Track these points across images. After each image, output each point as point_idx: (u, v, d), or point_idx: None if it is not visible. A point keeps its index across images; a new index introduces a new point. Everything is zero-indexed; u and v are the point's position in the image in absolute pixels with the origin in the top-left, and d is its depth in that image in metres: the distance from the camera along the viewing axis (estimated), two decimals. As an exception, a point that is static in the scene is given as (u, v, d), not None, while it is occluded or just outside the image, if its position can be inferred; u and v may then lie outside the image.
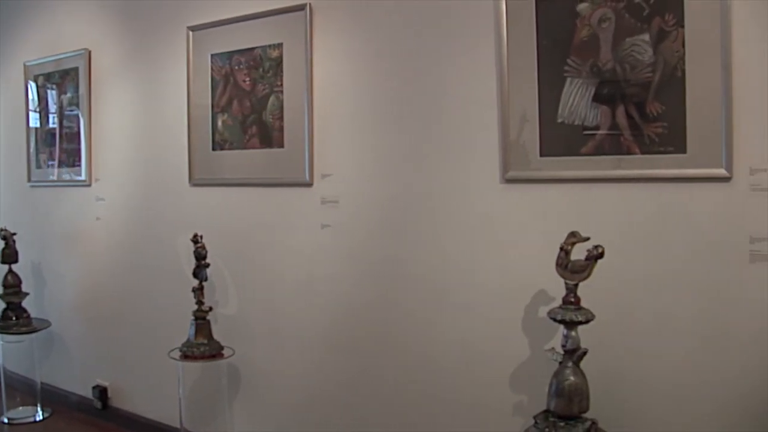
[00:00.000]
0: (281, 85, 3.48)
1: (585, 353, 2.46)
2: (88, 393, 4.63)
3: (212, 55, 3.78)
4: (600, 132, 2.64)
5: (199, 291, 3.61)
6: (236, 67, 3.67)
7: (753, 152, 2.39)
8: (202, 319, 3.59)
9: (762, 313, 2.39)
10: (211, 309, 3.63)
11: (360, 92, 3.26)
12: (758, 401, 2.39)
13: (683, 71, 2.48)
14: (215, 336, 3.64)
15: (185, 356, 3.56)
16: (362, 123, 3.26)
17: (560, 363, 2.47)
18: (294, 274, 3.51)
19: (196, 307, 3.60)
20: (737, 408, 2.43)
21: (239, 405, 3.78)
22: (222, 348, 3.62)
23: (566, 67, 2.70)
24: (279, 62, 3.49)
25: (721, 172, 2.44)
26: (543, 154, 2.76)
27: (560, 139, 2.72)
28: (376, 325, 3.24)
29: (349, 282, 3.32)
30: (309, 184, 3.41)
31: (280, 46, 3.49)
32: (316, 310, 3.44)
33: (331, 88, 3.35)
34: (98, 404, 4.55)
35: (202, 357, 3.55)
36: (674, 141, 2.51)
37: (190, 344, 3.56)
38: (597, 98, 2.64)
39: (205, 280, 3.62)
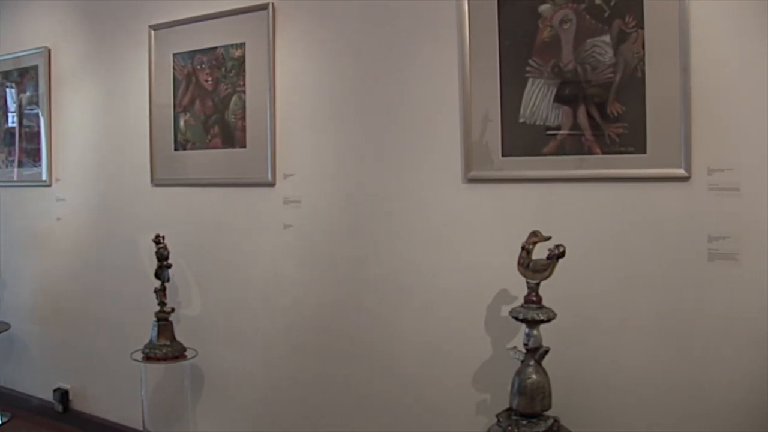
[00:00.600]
0: (244, 85, 3.47)
1: (547, 352, 2.48)
2: (49, 396, 4.56)
3: (174, 55, 3.75)
4: (562, 132, 2.66)
5: (161, 292, 3.58)
6: (198, 67, 3.64)
7: (711, 152, 2.43)
8: (164, 320, 3.56)
9: (720, 311, 2.43)
10: (173, 310, 3.60)
11: (323, 92, 3.25)
12: (718, 398, 2.43)
13: (643, 72, 2.51)
14: (178, 337, 3.62)
15: (147, 358, 3.53)
16: (325, 123, 3.26)
17: (522, 362, 2.48)
18: (257, 275, 3.49)
19: (158, 308, 3.57)
20: (698, 405, 2.47)
21: (202, 406, 3.75)
22: (185, 349, 3.59)
23: (528, 68, 2.72)
24: (241, 62, 3.47)
25: (680, 172, 2.47)
26: (505, 154, 2.77)
27: (522, 139, 2.74)
28: (339, 325, 3.24)
29: (312, 282, 3.32)
30: (271, 184, 3.40)
31: (242, 45, 3.47)
32: (279, 310, 3.43)
33: (294, 88, 3.34)
34: (59, 407, 4.49)
35: (165, 358, 3.51)
36: (635, 141, 2.53)
37: (153, 345, 3.53)
38: (558, 99, 2.66)
39: (168, 280, 3.59)
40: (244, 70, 3.46)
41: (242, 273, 3.55)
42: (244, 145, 3.48)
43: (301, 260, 3.34)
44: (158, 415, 3.78)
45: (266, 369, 3.49)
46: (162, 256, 3.58)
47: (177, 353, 3.55)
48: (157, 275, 3.59)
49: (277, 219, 3.39)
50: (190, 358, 3.59)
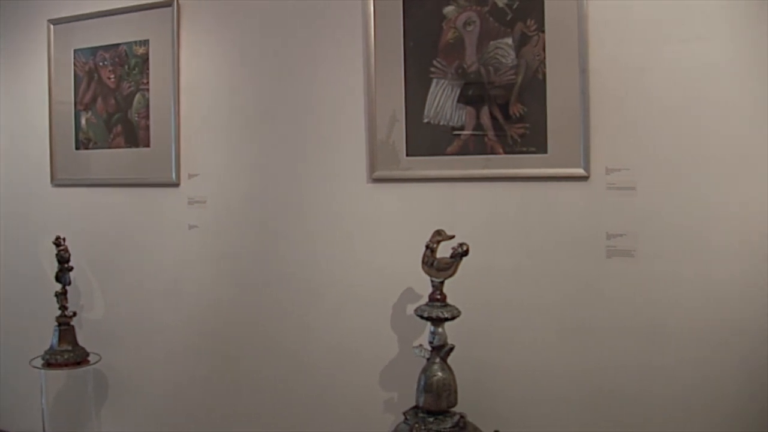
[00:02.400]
0: (147, 83, 3.39)
1: (452, 349, 2.49)
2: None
3: (75, 51, 3.63)
4: (465, 132, 2.69)
5: (62, 296, 3.45)
6: (101, 64, 3.54)
7: (609, 153, 2.51)
8: (65, 325, 3.44)
9: (617, 306, 2.51)
10: (75, 314, 3.48)
11: (228, 91, 3.22)
12: (619, 389, 2.52)
13: (544, 74, 2.56)
14: (80, 342, 3.50)
15: (48, 364, 3.40)
16: (230, 122, 3.22)
17: (428, 359, 2.49)
18: (161, 276, 3.42)
19: (59, 312, 3.44)
20: (600, 396, 2.54)
21: (107, 412, 3.64)
22: (87, 354, 3.48)
23: (432, 69, 2.74)
24: (145, 59, 3.39)
25: (580, 171, 2.53)
26: (409, 153, 2.79)
27: (426, 139, 2.76)
28: (247, 327, 3.20)
29: (219, 283, 3.27)
30: (176, 184, 3.33)
31: (146, 42, 3.40)
32: (184, 312, 3.37)
33: (199, 86, 3.29)
34: (-45, 419, 4.28)
35: (66, 364, 3.39)
36: (536, 141, 2.59)
37: (54, 351, 3.40)
38: (462, 99, 2.69)
39: (69, 284, 3.47)
40: (147, 68, 3.39)
41: (146, 275, 3.47)
42: (147, 145, 3.40)
43: (207, 261, 3.29)
44: (60, 424, 3.65)
45: (173, 372, 3.42)
46: (63, 259, 3.46)
47: (79, 359, 3.44)
48: (58, 278, 3.46)
49: (182, 219, 3.33)
50: (93, 364, 3.48)
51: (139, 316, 3.50)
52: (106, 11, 3.50)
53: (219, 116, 3.24)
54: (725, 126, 2.38)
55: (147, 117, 3.39)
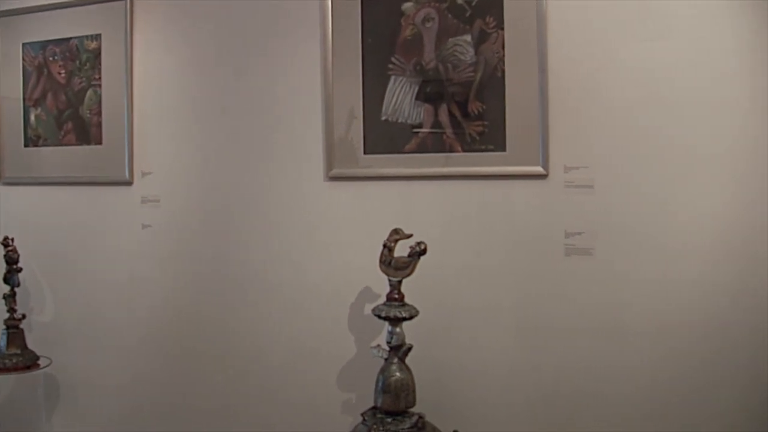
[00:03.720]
0: (99, 78, 3.31)
1: (410, 349, 2.48)
2: None
3: (24, 44, 3.53)
4: (423, 130, 2.68)
5: (10, 298, 3.36)
6: (51, 58, 3.45)
7: (567, 151, 2.53)
8: (14, 328, 3.35)
9: (576, 305, 2.52)
10: (24, 316, 3.39)
11: (183, 88, 3.16)
12: (574, 387, 2.54)
13: (503, 72, 2.56)
14: (30, 345, 3.41)
15: (-4, 368, 3.31)
16: (185, 119, 3.17)
17: (386, 360, 2.48)
18: (114, 277, 3.35)
19: (7, 315, 3.36)
20: (558, 395, 2.56)
21: (59, 418, 3.56)
22: (37, 358, 3.39)
23: (390, 65, 2.72)
24: (97, 54, 3.32)
25: (538, 169, 2.54)
26: (367, 151, 2.77)
27: (384, 137, 2.74)
28: (203, 328, 3.15)
29: (173, 284, 3.22)
30: (129, 183, 3.27)
31: (98, 37, 3.32)
32: (138, 313, 3.30)
33: (153, 82, 3.23)
34: None
35: (15, 368, 3.30)
36: (495, 139, 2.59)
37: (2, 355, 3.30)
38: (420, 97, 2.68)
39: (18, 285, 3.38)
40: (99, 63, 3.31)
41: (98, 276, 3.39)
42: (99, 142, 3.32)
43: (161, 261, 3.23)
44: (11, 429, 3.55)
45: (127, 374, 3.35)
46: (11, 260, 3.36)
47: (29, 362, 3.34)
48: (6, 280, 3.37)
49: (135, 219, 3.26)
50: (44, 367, 3.39)
51: (92, 318, 3.42)
52: (57, 4, 3.42)
53: (173, 113, 3.19)
54: (683, 126, 2.41)
55: (99, 113, 3.32)
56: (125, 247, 3.31)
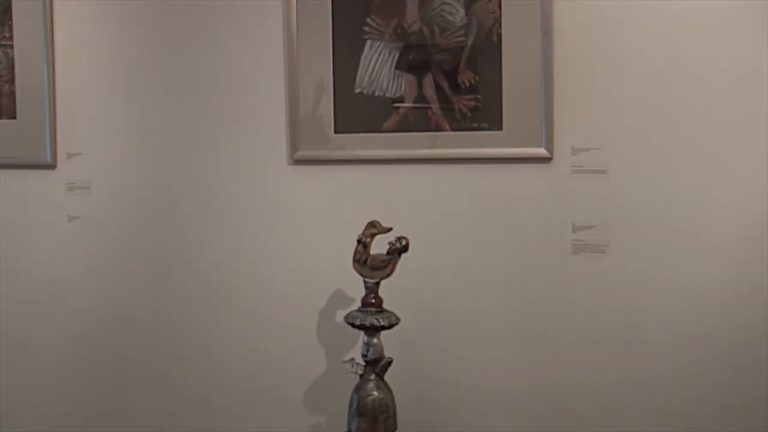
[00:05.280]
0: (10, 38, 2.94)
1: (390, 363, 2.29)
2: None
3: None
4: (405, 105, 2.50)
5: None
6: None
7: (576, 129, 2.35)
8: None
9: (585, 311, 2.38)
10: (-75, 323, 3.04)
11: (120, 52, 2.84)
12: (579, 408, 2.41)
13: (499, 36, 2.38)
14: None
15: None
16: (122, 91, 2.84)
17: (361, 376, 2.29)
18: (34, 282, 3.02)
19: None
20: (558, 417, 2.43)
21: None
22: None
23: (366, 28, 2.51)
24: (6, 8, 2.95)
25: (541, 151, 2.37)
26: (338, 130, 2.56)
27: (359, 113, 2.55)
28: (142, 340, 2.85)
29: (105, 286, 2.89)
30: (51, 166, 2.93)
31: (5, -20, 2.99)
32: (63, 320, 2.97)
33: (81, 44, 2.89)
34: None
35: None
36: (489, 116, 2.42)
37: None
38: (401, 65, 2.49)
39: None
40: (10, 18, 2.94)
41: (14, 280, 3.05)
42: (13, 116, 2.96)
43: (92, 259, 2.91)
44: None
45: (52, 401, 3.01)
46: None
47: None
48: None
49: (60, 209, 2.93)
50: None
51: (6, 334, 3.09)
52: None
53: (108, 83, 2.86)
54: (714, 100, 2.24)
55: (11, 81, 2.95)
56: (48, 242, 3.00)
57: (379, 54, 2.48)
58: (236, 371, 2.73)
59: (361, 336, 2.29)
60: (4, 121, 2.94)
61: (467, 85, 2.39)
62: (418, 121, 2.45)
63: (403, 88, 2.47)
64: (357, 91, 2.51)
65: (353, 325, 2.27)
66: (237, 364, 2.73)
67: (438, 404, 2.52)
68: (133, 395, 2.89)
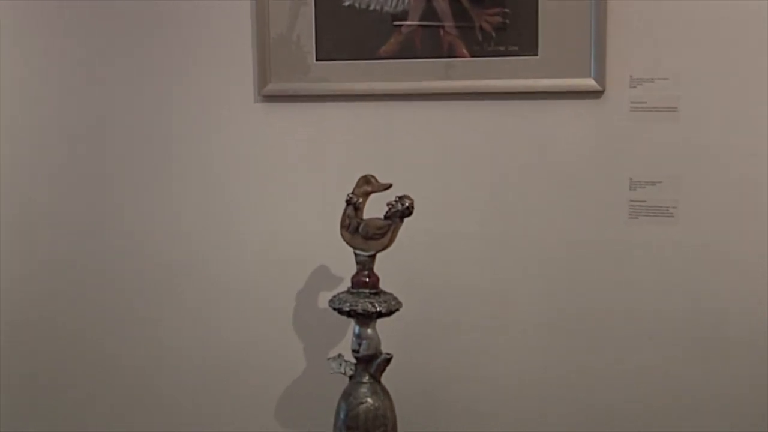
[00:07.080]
0: None
1: (388, 361, 1.99)
2: None
3: None
4: (410, 23, 2.14)
5: None
6: None
7: (636, 54, 1.99)
8: None
9: (645, 292, 2.05)
10: None
11: None
12: (634, 413, 2.10)
13: None
14: None
15: None
16: (39, 11, 2.43)
17: (351, 378, 2.01)
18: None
19: None
20: (605, 424, 2.12)
21: None
22: None
23: None
24: None
25: (589, 83, 2.01)
26: (321, 56, 2.20)
27: (348, 34, 2.20)
28: (67, 343, 2.46)
29: (16, 274, 2.51)
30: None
31: None
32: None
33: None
34: None
35: None
36: (521, 37, 2.06)
37: None
38: None
39: None
40: None
41: None
42: None
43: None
44: None
45: None
46: None
47: None
48: None
49: None
50: None
51: None
52: None
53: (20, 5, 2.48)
54: None
55: None
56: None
57: (376, -46, 2.15)
58: (193, 373, 2.40)
59: (352, 325, 2.00)
60: None
61: (492, -4, 2.06)
62: (427, 45, 2.12)
63: (407, 1, 2.12)
64: (346, 4, 2.15)
65: (341, 312, 1.97)
66: (193, 363, 2.39)
67: (448, 412, 2.23)
68: (57, 408, 2.53)
